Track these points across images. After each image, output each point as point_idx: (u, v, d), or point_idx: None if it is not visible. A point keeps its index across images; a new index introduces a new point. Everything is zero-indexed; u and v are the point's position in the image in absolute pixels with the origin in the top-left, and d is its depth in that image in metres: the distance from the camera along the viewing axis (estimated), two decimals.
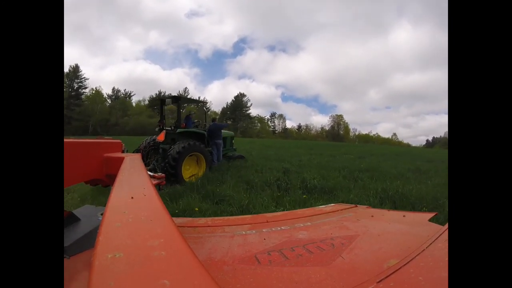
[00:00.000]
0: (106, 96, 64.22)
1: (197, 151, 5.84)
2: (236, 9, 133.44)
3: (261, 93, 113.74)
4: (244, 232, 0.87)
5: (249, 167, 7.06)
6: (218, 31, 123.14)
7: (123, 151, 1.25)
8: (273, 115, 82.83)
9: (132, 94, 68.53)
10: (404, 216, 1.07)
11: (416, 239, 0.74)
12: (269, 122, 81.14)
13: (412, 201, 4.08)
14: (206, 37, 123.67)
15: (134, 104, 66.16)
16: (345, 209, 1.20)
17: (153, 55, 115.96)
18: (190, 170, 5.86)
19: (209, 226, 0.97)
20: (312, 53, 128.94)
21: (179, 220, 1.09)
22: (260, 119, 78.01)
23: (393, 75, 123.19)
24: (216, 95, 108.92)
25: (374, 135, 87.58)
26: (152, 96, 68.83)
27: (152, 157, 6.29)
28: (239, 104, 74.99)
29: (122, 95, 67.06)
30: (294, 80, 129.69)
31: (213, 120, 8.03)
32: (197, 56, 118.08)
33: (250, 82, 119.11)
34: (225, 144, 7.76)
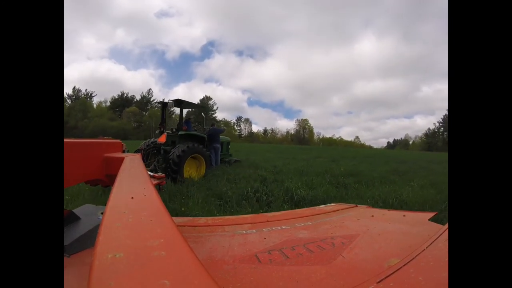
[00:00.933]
0: (66, 96, 62.03)
1: (198, 153, 6.11)
2: (207, 12, 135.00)
3: (228, 97, 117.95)
4: (244, 232, 0.87)
5: (219, 176, 6.00)
6: (187, 33, 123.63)
7: (123, 151, 1.25)
8: (239, 119, 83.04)
9: (93, 95, 66.55)
10: (404, 215, 1.07)
11: (416, 238, 0.74)
12: (235, 126, 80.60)
13: (417, 209, 3.82)
14: (174, 38, 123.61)
15: (95, 106, 64.49)
16: (345, 209, 1.20)
17: (118, 54, 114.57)
18: (190, 172, 6.02)
19: (209, 225, 0.97)
20: (279, 59, 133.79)
21: (179, 220, 1.09)
22: (226, 123, 76.02)
23: (355, 82, 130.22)
24: (182, 98, 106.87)
25: (337, 138, 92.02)
26: (115, 97, 67.85)
27: (153, 158, 6.40)
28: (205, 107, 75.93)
29: (83, 95, 64.81)
30: (260, 85, 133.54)
31: (212, 125, 8.27)
32: (164, 57, 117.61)
33: (217, 85, 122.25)
34: (222, 148, 7.96)
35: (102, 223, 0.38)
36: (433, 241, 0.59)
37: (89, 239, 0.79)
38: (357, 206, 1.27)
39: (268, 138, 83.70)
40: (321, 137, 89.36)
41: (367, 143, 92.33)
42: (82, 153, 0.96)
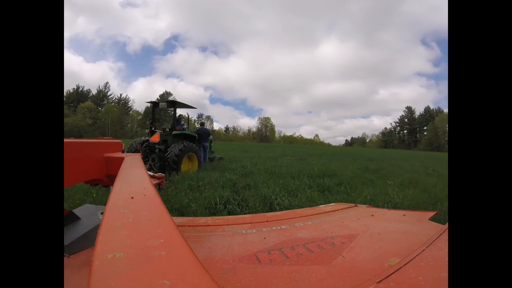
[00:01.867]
0: None
1: (192, 151, 6.73)
2: (174, 4, 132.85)
3: (189, 93, 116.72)
4: (244, 231, 0.87)
5: (179, 182, 4.99)
6: (151, 26, 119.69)
7: (123, 151, 1.25)
8: (200, 116, 76.84)
9: None
10: (404, 215, 1.07)
11: (417, 238, 0.74)
12: (196, 123, 78.72)
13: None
14: (137, 30, 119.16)
15: None
16: (345, 208, 1.20)
17: (78, 45, 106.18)
18: (183, 168, 6.45)
19: (209, 225, 0.97)
20: (243, 57, 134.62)
21: (179, 220, 1.09)
22: (186, 120, 74.85)
23: (316, 83, 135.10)
24: (141, 93, 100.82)
25: (298, 136, 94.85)
26: (70, 91, 65.21)
27: (145, 157, 6.56)
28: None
29: None
30: (223, 82, 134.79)
31: (201, 124, 8.89)
32: (125, 50, 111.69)
33: (178, 81, 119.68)
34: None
35: (102, 223, 0.38)
36: (433, 241, 0.59)
37: (89, 239, 0.79)
38: (357, 205, 1.27)
39: (229, 136, 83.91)
40: (282, 135, 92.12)
41: (326, 141, 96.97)
42: (82, 153, 0.95)
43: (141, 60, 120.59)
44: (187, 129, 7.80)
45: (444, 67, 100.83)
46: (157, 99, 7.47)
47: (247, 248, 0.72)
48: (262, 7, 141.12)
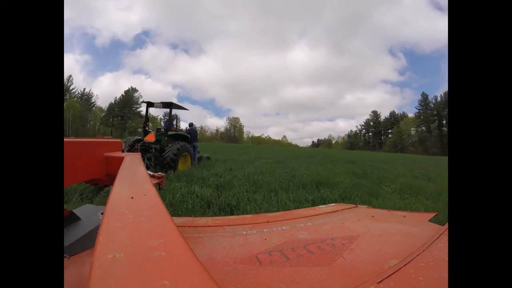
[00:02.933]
0: None
1: (187, 151, 7.11)
2: None
3: (157, 91, 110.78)
4: (244, 232, 0.87)
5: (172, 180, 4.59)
6: (123, 19, 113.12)
7: (122, 151, 1.25)
8: (166, 114, 78.95)
9: None
10: (404, 216, 1.07)
11: (417, 239, 0.74)
12: (161, 122, 77.70)
13: None
14: (107, 22, 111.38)
15: None
16: (346, 209, 1.20)
17: None
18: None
19: (209, 226, 0.97)
20: (214, 57, 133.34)
21: (179, 220, 1.09)
22: (152, 119, 71.55)
23: (285, 86, 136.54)
24: (106, 89, 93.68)
25: (266, 137, 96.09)
26: None
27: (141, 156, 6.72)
28: (129, 100, 65.30)
29: None
30: (192, 81, 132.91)
31: (190, 125, 9.15)
32: (93, 43, 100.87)
33: (146, 78, 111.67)
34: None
35: (102, 223, 0.38)
36: (433, 242, 0.59)
37: (90, 239, 0.79)
38: (357, 206, 1.27)
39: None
40: (250, 135, 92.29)
41: (293, 142, 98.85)
42: (82, 153, 0.95)
43: (109, 54, 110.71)
44: (179, 130, 8.13)
45: (408, 76, 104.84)
46: (144, 101, 7.66)
47: (248, 249, 0.72)
48: (237, 8, 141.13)
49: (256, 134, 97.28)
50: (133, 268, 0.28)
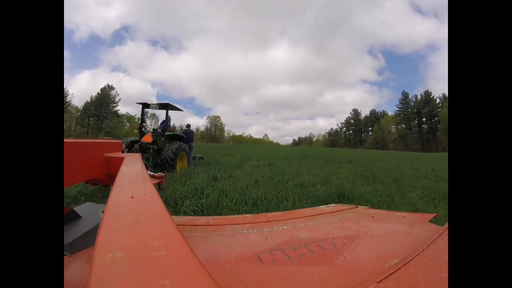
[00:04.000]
0: None
1: (184, 151, 7.19)
2: None
3: (135, 89, 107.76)
4: (245, 231, 0.87)
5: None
6: (102, 14, 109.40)
7: (122, 151, 1.25)
8: (144, 114, 74.53)
9: None
10: (404, 216, 1.07)
11: (417, 239, 0.74)
12: (139, 121, 72.43)
13: None
14: (86, 17, 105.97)
15: None
16: (346, 210, 1.20)
17: None
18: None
19: (210, 225, 0.97)
20: (194, 55, 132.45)
21: (180, 219, 1.09)
22: (130, 118, 65.17)
23: (265, 85, 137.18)
24: (83, 87, 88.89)
25: (247, 136, 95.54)
26: None
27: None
28: (105, 98, 61.37)
29: None
30: (171, 79, 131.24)
31: (188, 126, 9.22)
32: (70, 38, 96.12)
33: (124, 76, 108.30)
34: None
35: (102, 223, 0.38)
36: (433, 241, 0.59)
37: (90, 237, 0.79)
38: (357, 207, 1.28)
39: None
40: (231, 134, 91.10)
41: (274, 141, 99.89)
42: (82, 153, 0.96)
43: (87, 50, 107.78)
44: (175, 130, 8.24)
45: (386, 76, 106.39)
46: (139, 102, 7.70)
47: (249, 248, 0.72)
48: (219, 6, 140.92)
49: (237, 133, 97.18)
50: (133, 268, 0.28)
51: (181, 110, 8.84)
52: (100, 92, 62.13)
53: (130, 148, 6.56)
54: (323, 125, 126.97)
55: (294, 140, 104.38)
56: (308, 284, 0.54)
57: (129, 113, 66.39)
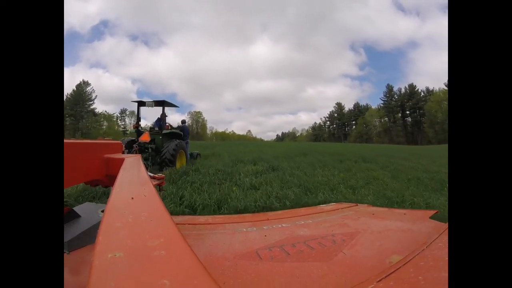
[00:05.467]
0: None
1: (182, 148, 7.10)
2: None
3: (115, 86, 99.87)
4: (245, 229, 0.88)
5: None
6: (81, 9, 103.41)
7: (122, 152, 1.25)
8: (123, 112, 66.24)
9: None
10: (405, 214, 1.07)
11: (418, 236, 0.75)
12: (118, 120, 65.85)
13: None
14: (65, 13, 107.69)
15: None
16: (346, 208, 1.21)
17: None
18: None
19: (209, 223, 0.98)
20: (174, 50, 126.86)
21: (179, 218, 1.09)
22: (108, 117, 62.67)
23: (247, 80, 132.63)
24: (64, 86, 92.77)
25: (230, 132, 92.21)
26: None
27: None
28: (80, 96, 57.30)
29: None
30: (152, 75, 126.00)
31: (183, 122, 9.02)
32: None
33: (104, 72, 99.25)
34: None
35: (102, 223, 0.38)
36: (433, 241, 0.59)
37: (89, 236, 0.80)
38: (357, 205, 1.28)
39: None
40: (214, 131, 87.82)
41: (258, 136, 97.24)
42: (82, 154, 0.96)
43: (65, 47, 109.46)
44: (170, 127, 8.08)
45: (368, 71, 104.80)
46: (135, 100, 7.58)
47: (248, 245, 0.72)
48: (201, 2, 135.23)
49: (220, 130, 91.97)
50: (133, 267, 0.28)
51: (177, 107, 8.70)
52: (75, 89, 57.63)
53: (128, 148, 6.50)
54: (305, 119, 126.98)
55: (277, 135, 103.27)
56: (307, 279, 0.54)
57: (107, 112, 63.56)
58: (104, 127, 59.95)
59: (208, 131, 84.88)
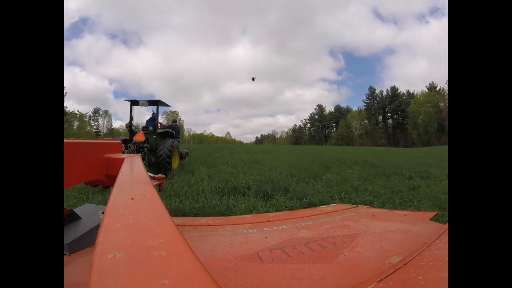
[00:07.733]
0: None
1: (176, 148, 7.13)
2: None
3: (92, 86, 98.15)
4: (245, 231, 0.87)
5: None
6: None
7: (122, 152, 1.25)
8: (96, 111, 62.96)
9: None
10: (405, 215, 1.07)
11: (418, 237, 0.74)
12: (91, 120, 62.51)
13: None
14: None
15: None
16: (346, 209, 1.20)
17: None
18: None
19: (210, 225, 0.98)
20: (153, 50, 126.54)
21: (180, 220, 1.09)
22: (80, 117, 59.30)
23: (226, 82, 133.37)
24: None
25: (208, 134, 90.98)
26: None
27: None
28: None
29: None
30: (129, 75, 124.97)
31: (174, 121, 9.05)
32: None
33: (80, 71, 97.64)
34: None
35: (102, 223, 0.38)
36: (433, 241, 0.59)
37: (90, 238, 0.79)
38: (357, 206, 1.28)
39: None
40: (191, 133, 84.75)
41: (237, 139, 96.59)
42: (82, 154, 0.95)
43: None
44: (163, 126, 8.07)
45: (345, 76, 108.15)
46: (128, 99, 7.43)
47: (249, 247, 0.72)
48: (184, 2, 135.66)
49: (198, 132, 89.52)
50: (133, 268, 0.28)
51: (169, 106, 8.66)
52: None
53: (127, 148, 6.45)
54: (283, 122, 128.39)
55: (256, 137, 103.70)
56: (308, 282, 0.54)
57: (79, 111, 59.95)
58: (75, 127, 56.91)
59: (186, 133, 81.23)
